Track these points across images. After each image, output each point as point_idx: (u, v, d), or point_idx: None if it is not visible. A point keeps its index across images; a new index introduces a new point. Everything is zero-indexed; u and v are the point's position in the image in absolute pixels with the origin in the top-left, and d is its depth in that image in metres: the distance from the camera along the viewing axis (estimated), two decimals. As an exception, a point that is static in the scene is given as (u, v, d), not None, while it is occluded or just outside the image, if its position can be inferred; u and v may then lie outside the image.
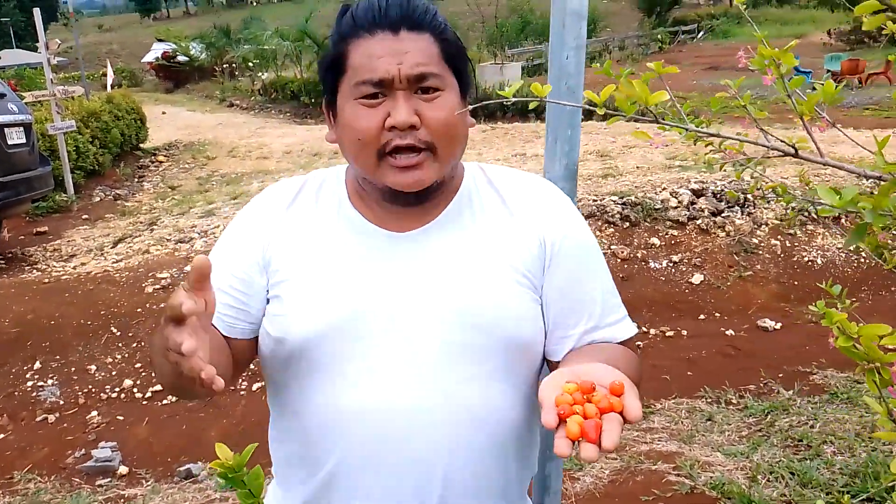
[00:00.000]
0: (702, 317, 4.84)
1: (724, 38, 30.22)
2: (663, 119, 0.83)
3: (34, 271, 5.99)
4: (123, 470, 3.43)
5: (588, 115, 0.83)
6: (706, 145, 1.22)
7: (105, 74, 15.72)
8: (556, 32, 1.29)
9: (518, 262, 1.07)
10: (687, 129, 0.82)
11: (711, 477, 2.81)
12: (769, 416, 3.42)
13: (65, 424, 3.89)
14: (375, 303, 1.04)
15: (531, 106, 0.95)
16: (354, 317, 1.03)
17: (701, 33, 32.56)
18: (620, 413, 0.79)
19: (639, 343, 4.46)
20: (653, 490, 2.73)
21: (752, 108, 0.88)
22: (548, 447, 1.48)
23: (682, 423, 3.46)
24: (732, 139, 0.83)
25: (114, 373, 4.29)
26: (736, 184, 5.81)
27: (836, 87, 0.81)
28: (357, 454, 1.04)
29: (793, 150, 0.82)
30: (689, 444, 3.21)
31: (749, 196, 5.69)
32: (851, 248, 5.28)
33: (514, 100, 0.87)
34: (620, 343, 1.12)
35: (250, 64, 22.84)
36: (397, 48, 0.99)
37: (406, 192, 1.02)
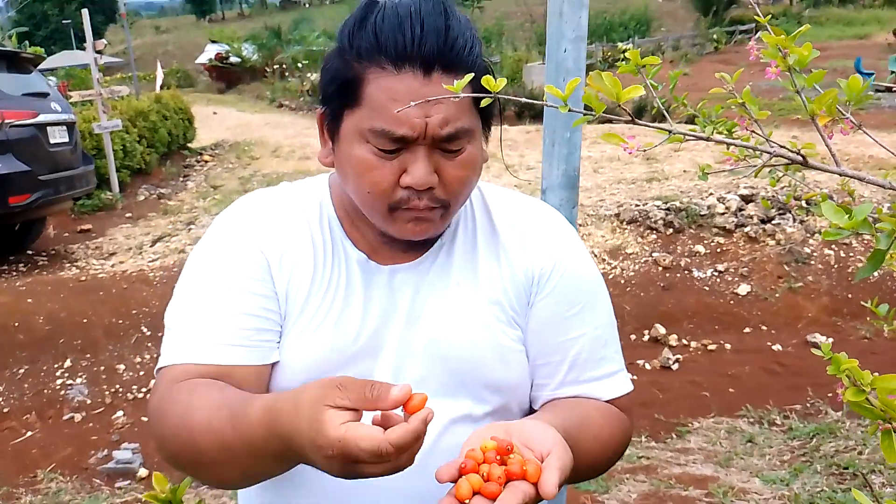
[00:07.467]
0: (747, 330, 4.60)
1: (784, 39, 29.18)
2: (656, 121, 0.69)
3: (73, 269, 6.07)
4: (143, 472, 3.40)
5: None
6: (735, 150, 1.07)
7: (155, 76, 16.04)
8: (552, 22, 1.12)
9: (504, 299, 0.97)
10: (671, 132, 0.68)
11: (746, 507, 2.62)
12: (814, 440, 3.19)
13: (90, 424, 3.88)
14: (358, 341, 0.94)
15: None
16: (333, 356, 0.93)
17: (758, 33, 31.62)
18: (536, 484, 0.69)
19: (678, 357, 4.25)
20: (680, 519, 2.55)
21: (753, 108, 0.73)
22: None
23: (720, 444, 3.26)
24: (724, 142, 0.69)
25: (142, 373, 4.28)
26: (790, 191, 5.51)
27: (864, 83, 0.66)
28: None
29: (800, 158, 0.67)
30: (725, 467, 3.01)
31: (802, 203, 5.40)
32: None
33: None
34: (609, 402, 0.99)
35: (299, 65, 23.07)
36: (427, 95, 0.83)
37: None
